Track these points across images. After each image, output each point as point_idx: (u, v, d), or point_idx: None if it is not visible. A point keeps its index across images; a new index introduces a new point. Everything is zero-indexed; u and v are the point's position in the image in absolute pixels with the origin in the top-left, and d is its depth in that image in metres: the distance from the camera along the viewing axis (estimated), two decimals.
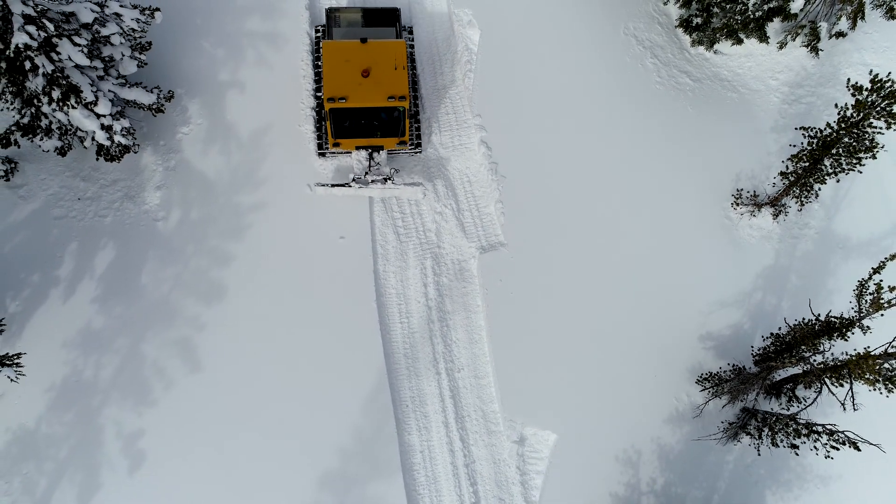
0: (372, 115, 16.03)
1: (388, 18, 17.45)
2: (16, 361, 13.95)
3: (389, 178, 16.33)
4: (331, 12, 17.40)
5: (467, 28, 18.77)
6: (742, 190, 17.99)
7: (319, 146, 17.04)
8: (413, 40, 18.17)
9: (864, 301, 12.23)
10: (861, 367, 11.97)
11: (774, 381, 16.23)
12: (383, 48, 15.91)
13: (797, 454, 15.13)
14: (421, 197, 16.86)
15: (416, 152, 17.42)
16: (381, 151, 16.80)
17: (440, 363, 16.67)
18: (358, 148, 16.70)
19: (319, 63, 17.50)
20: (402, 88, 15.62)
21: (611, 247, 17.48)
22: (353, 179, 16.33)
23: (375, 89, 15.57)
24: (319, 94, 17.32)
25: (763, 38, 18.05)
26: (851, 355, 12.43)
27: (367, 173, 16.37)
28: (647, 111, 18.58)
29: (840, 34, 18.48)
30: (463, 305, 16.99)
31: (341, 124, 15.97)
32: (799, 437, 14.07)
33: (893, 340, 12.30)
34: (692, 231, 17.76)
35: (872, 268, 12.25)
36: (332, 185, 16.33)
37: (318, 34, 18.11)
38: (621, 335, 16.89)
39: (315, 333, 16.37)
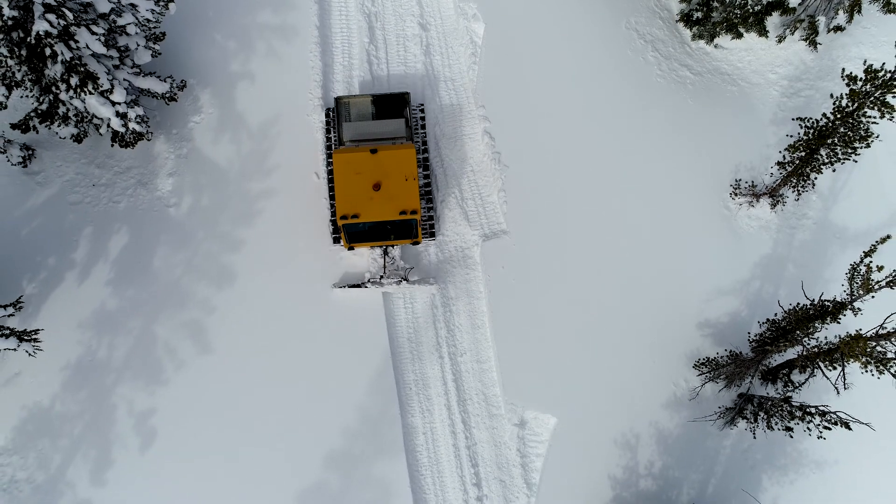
0: (385, 223, 15.94)
1: (398, 104, 17.29)
2: (34, 337, 14.42)
3: (405, 279, 16.51)
4: (340, 101, 17.16)
5: (472, 21, 19.16)
6: (740, 180, 18.30)
7: (335, 232, 16.93)
8: (424, 118, 17.99)
9: (855, 284, 12.54)
10: (853, 348, 12.28)
11: (771, 367, 16.54)
12: (394, 158, 15.69)
13: (791, 436, 15.41)
14: (435, 293, 16.97)
15: (431, 240, 17.33)
16: (395, 247, 16.92)
17: (443, 347, 17.05)
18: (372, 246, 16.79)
19: (332, 153, 17.39)
20: (414, 202, 15.57)
21: (611, 235, 17.81)
22: (369, 280, 16.52)
23: (387, 204, 15.52)
24: (331, 175, 17.21)
25: (762, 32, 18.35)
26: (843, 337, 12.73)
27: (382, 276, 16.51)
28: (648, 104, 18.90)
29: (838, 28, 18.76)
30: (466, 291, 17.37)
31: (355, 232, 15.94)
32: (793, 420, 14.37)
33: (884, 322, 12.60)
34: (691, 221, 18.08)
35: (864, 251, 12.56)
36: (350, 287, 16.43)
37: (328, 118, 17.79)
38: (621, 322, 17.21)
39: (323, 318, 16.79)
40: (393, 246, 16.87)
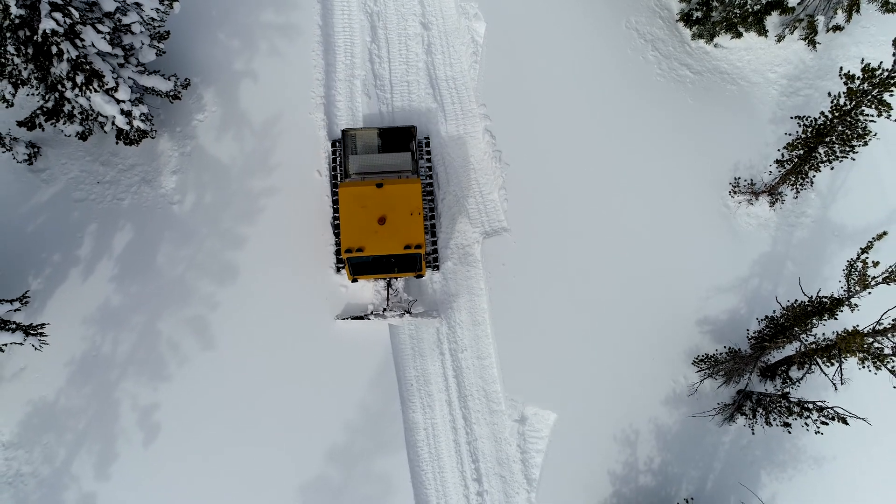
0: (389, 256, 15.97)
1: (405, 138, 17.32)
2: (40, 331, 14.58)
3: (407, 311, 16.53)
4: (347, 133, 17.20)
5: (473, 21, 19.31)
6: (739, 178, 18.42)
7: (338, 261, 16.99)
8: (430, 152, 18.01)
9: (852, 280, 12.66)
10: (850, 344, 12.40)
11: (769, 364, 16.65)
12: (399, 192, 15.75)
13: (789, 432, 15.53)
14: (438, 326, 17.00)
15: (434, 269, 17.36)
16: (398, 279, 16.97)
17: (444, 344, 17.18)
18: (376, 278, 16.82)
19: (336, 183, 17.46)
20: (418, 236, 15.64)
21: (611, 233, 17.93)
22: (372, 312, 16.54)
23: (392, 238, 15.56)
24: (336, 206, 17.19)
25: (762, 31, 18.47)
26: (840, 333, 12.84)
27: (385, 308, 16.55)
28: (647, 102, 19.02)
29: (837, 28, 18.87)
30: (467, 288, 17.50)
31: (359, 264, 15.98)
32: (791, 415, 14.49)
33: (881, 318, 12.71)
34: (691, 218, 18.19)
35: (861, 248, 12.68)
36: (352, 318, 16.47)
37: (335, 150, 17.83)
38: (620, 319, 17.33)
39: (325, 315, 16.95)
40: (396, 278, 16.89)
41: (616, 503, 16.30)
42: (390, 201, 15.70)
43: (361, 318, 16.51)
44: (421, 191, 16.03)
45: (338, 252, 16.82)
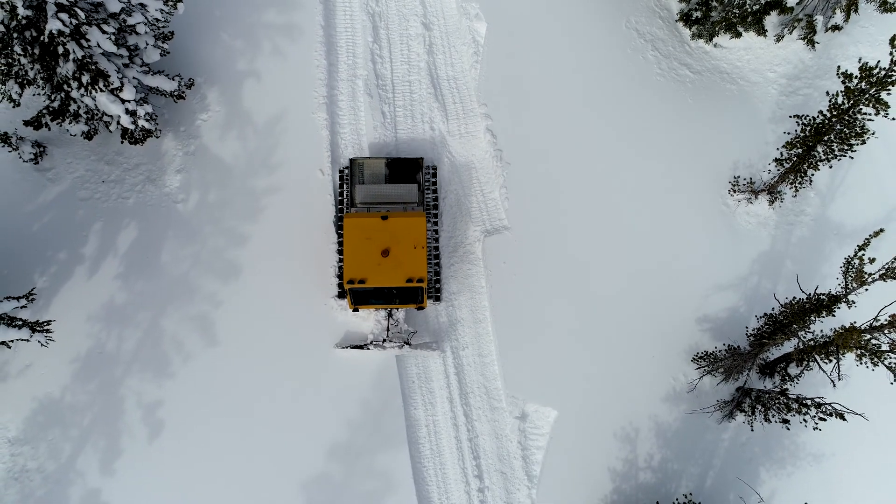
0: (391, 288, 16.01)
1: (412, 169, 17.41)
2: (46, 328, 14.75)
3: (407, 343, 16.59)
4: (354, 162, 17.29)
5: (474, 21, 19.45)
6: (739, 177, 18.53)
7: (340, 288, 16.97)
8: (436, 180, 17.92)
9: (849, 277, 12.77)
10: (847, 340, 12.51)
11: (768, 361, 16.76)
12: (404, 225, 15.79)
13: (788, 428, 15.63)
14: (437, 358, 16.99)
15: (436, 302, 17.28)
16: (399, 309, 16.98)
17: (445, 342, 17.31)
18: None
19: (342, 213, 17.52)
20: (421, 270, 15.66)
21: (611, 231, 18.06)
22: (371, 342, 16.59)
23: (395, 270, 15.61)
24: (341, 235, 17.19)
25: (761, 31, 18.57)
26: (837, 329, 12.95)
27: (385, 339, 16.58)
28: (647, 102, 19.14)
29: (836, 27, 18.97)
30: (468, 286, 17.63)
31: (361, 294, 15.98)
32: (789, 412, 14.59)
33: (878, 314, 12.82)
34: (690, 217, 18.31)
35: (858, 245, 12.78)
36: (352, 347, 16.56)
37: (342, 176, 17.77)
38: (621, 316, 17.45)
39: (327, 313, 17.10)
40: (397, 309, 16.89)
41: (616, 500, 16.42)
42: (394, 234, 15.74)
43: (361, 347, 16.58)
44: (425, 224, 16.06)
45: (341, 281, 16.83)
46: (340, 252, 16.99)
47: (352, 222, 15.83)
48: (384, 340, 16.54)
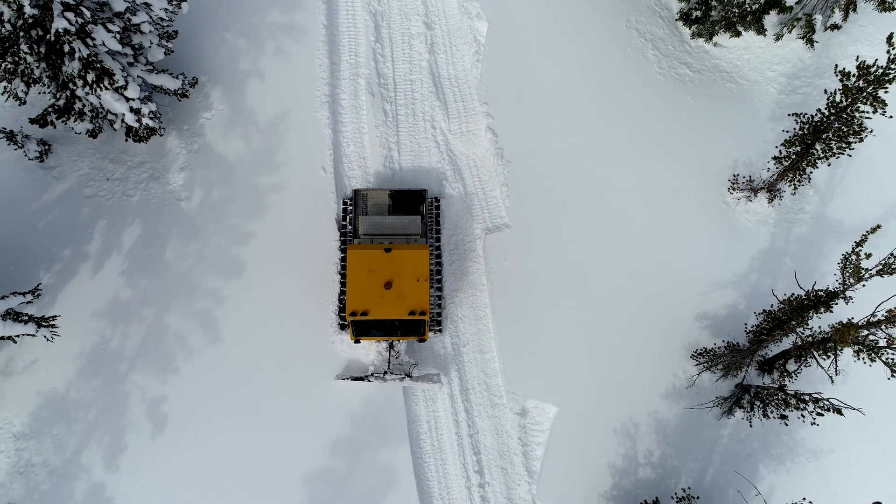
0: (393, 320, 15.91)
1: (415, 200, 17.35)
2: (52, 323, 14.91)
3: (408, 375, 16.49)
4: (358, 193, 17.26)
5: (476, 20, 19.60)
6: (738, 175, 18.65)
7: (341, 319, 16.95)
8: (439, 212, 17.88)
9: (847, 273, 12.88)
10: (844, 336, 12.61)
11: (767, 358, 16.86)
12: (407, 258, 15.76)
13: (787, 424, 15.74)
14: (438, 391, 16.92)
15: (437, 332, 17.21)
16: (400, 340, 16.91)
17: (446, 338, 17.44)
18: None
19: (345, 242, 17.44)
20: (424, 303, 15.60)
21: (611, 229, 18.18)
22: (372, 374, 16.52)
23: (397, 303, 15.56)
24: (344, 267, 17.09)
25: (760, 30, 18.69)
26: (835, 324, 13.05)
27: (386, 371, 16.49)
28: (648, 100, 19.27)
29: (835, 26, 19.09)
30: (469, 283, 17.76)
31: (362, 327, 15.95)
32: (787, 407, 14.70)
33: (875, 310, 12.93)
34: (690, 215, 18.42)
35: (855, 241, 12.90)
36: (352, 379, 16.47)
37: (345, 207, 17.70)
38: (621, 313, 17.57)
39: (329, 309, 17.24)
40: (399, 340, 16.86)
41: (616, 495, 16.53)
42: (397, 266, 15.70)
43: (361, 379, 16.46)
44: (429, 257, 16.04)
45: (342, 312, 16.81)
46: (342, 283, 16.94)
47: (355, 254, 15.80)
48: (385, 373, 16.44)
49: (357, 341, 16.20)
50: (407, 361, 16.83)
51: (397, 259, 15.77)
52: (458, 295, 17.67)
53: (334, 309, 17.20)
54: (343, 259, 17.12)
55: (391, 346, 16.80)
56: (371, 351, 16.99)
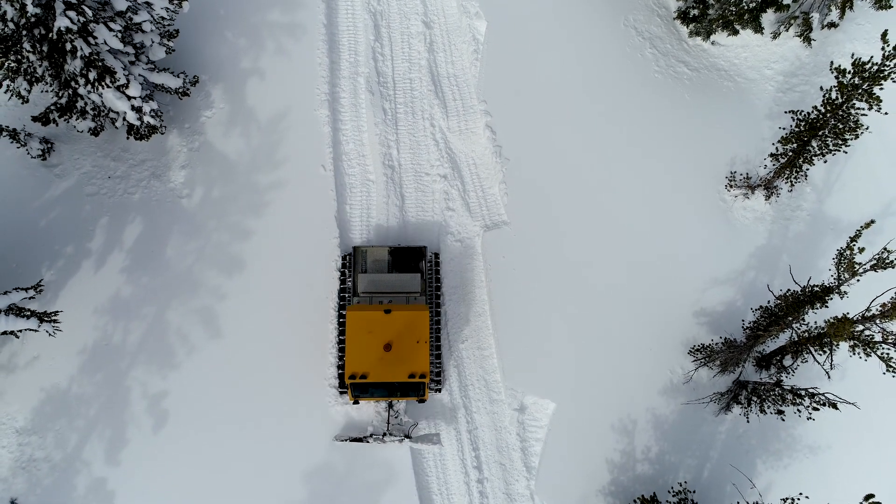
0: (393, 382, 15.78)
1: (415, 257, 17.19)
2: (54, 318, 15.04)
3: (408, 436, 16.23)
4: (358, 250, 17.10)
5: (474, 19, 19.72)
6: (735, 172, 18.72)
7: (341, 384, 16.69)
8: (439, 266, 17.68)
9: (841, 268, 12.96)
10: (839, 331, 12.69)
11: (764, 354, 16.93)
12: (407, 319, 15.52)
13: (783, 419, 15.80)
14: (437, 451, 16.64)
15: (437, 390, 16.96)
16: (400, 400, 16.68)
17: (445, 335, 17.51)
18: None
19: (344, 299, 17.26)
20: (423, 365, 15.44)
21: (609, 226, 18.26)
22: (371, 435, 16.20)
23: (397, 366, 15.39)
24: (343, 326, 16.90)
25: (758, 28, 18.79)
26: (830, 319, 13.13)
27: (385, 432, 16.17)
28: (646, 99, 19.36)
29: (832, 24, 19.17)
30: (467, 281, 17.85)
31: (361, 387, 15.74)
32: (784, 403, 14.77)
33: (870, 305, 13.00)
34: (688, 212, 18.50)
35: (850, 237, 12.98)
36: (351, 440, 16.15)
37: (345, 262, 17.46)
38: (618, 310, 17.66)
39: (329, 304, 17.35)
40: (398, 400, 16.64)
41: (614, 491, 16.60)
42: (397, 328, 15.48)
43: (360, 440, 16.15)
44: (429, 318, 15.86)
45: (341, 372, 16.61)
46: (341, 342, 16.78)
47: (355, 315, 15.55)
48: (384, 434, 16.12)
49: (356, 402, 15.95)
50: (406, 422, 16.60)
51: (397, 321, 15.52)
52: (457, 292, 17.76)
53: (334, 306, 17.31)
54: (341, 317, 16.91)
55: (390, 406, 16.54)
56: (370, 409, 16.75)
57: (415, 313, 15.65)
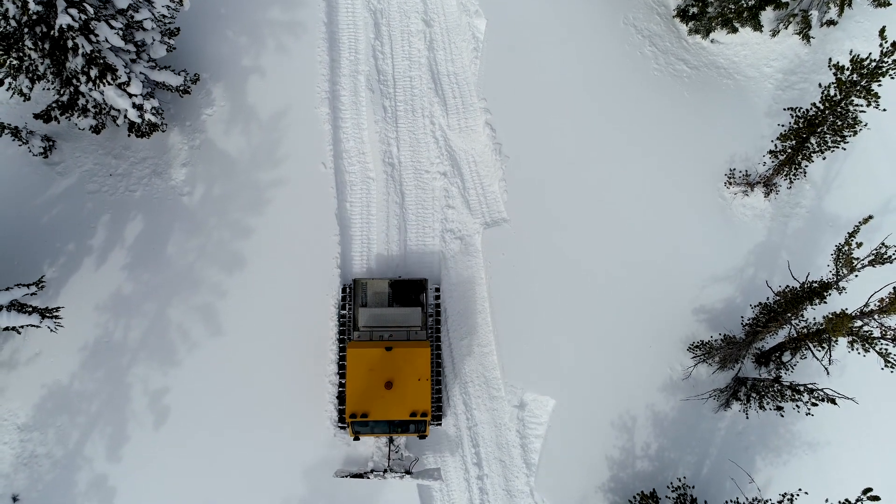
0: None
1: (415, 290, 17.00)
2: (55, 314, 15.11)
3: (408, 472, 16.00)
4: (358, 283, 16.94)
5: (474, 17, 19.78)
6: (734, 169, 18.77)
7: (340, 419, 16.58)
8: (440, 298, 17.55)
9: (840, 264, 13.00)
10: (838, 326, 12.72)
11: (763, 351, 16.97)
12: (408, 357, 15.36)
13: (782, 415, 15.85)
14: (438, 486, 16.54)
15: (437, 424, 16.82)
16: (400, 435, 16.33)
17: (446, 332, 17.57)
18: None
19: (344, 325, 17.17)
20: (425, 403, 15.26)
21: (608, 223, 18.31)
22: (372, 471, 16.00)
23: (398, 404, 15.20)
24: (343, 354, 16.85)
25: (757, 26, 18.83)
26: (828, 315, 13.16)
27: (386, 469, 16.00)
28: (645, 96, 19.40)
29: (831, 22, 19.21)
30: (467, 278, 17.92)
31: (363, 425, 15.58)
32: (783, 399, 14.81)
33: (868, 301, 13.04)
34: (688, 210, 18.55)
35: (848, 233, 13.02)
36: (351, 476, 15.85)
37: (345, 295, 17.32)
38: (618, 307, 17.70)
39: (329, 303, 17.42)
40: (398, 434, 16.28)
41: (613, 487, 16.65)
42: (398, 364, 15.33)
43: (360, 476, 15.87)
44: (430, 355, 15.71)
45: (341, 406, 16.53)
46: (341, 377, 16.72)
47: (355, 352, 15.42)
48: (385, 470, 15.96)
49: (357, 438, 15.83)
50: (407, 457, 16.46)
51: (398, 358, 15.37)
52: (456, 289, 17.81)
53: (334, 303, 17.36)
54: (342, 351, 16.88)
55: (391, 441, 16.42)
56: (370, 444, 16.65)
57: (416, 350, 15.48)
